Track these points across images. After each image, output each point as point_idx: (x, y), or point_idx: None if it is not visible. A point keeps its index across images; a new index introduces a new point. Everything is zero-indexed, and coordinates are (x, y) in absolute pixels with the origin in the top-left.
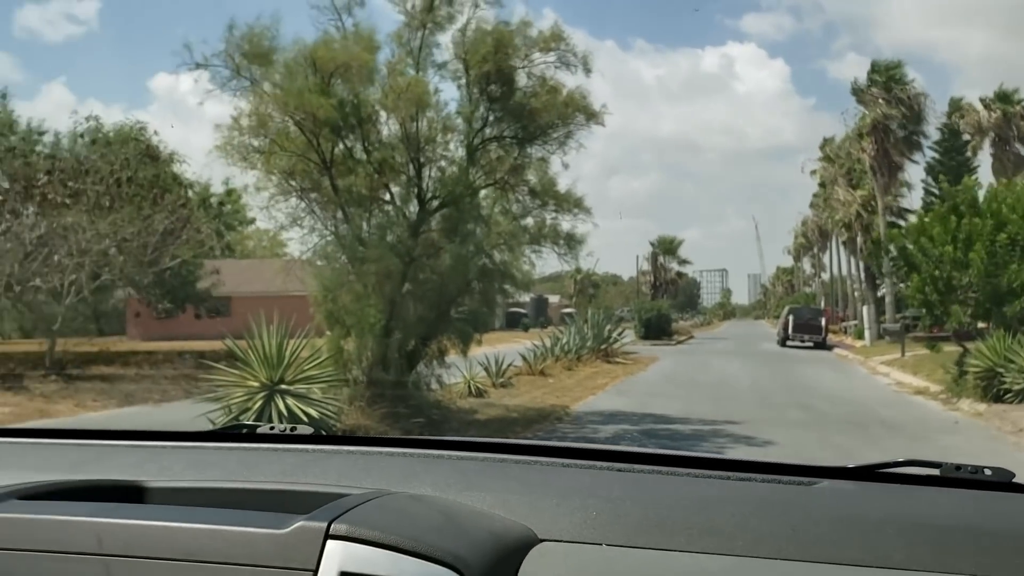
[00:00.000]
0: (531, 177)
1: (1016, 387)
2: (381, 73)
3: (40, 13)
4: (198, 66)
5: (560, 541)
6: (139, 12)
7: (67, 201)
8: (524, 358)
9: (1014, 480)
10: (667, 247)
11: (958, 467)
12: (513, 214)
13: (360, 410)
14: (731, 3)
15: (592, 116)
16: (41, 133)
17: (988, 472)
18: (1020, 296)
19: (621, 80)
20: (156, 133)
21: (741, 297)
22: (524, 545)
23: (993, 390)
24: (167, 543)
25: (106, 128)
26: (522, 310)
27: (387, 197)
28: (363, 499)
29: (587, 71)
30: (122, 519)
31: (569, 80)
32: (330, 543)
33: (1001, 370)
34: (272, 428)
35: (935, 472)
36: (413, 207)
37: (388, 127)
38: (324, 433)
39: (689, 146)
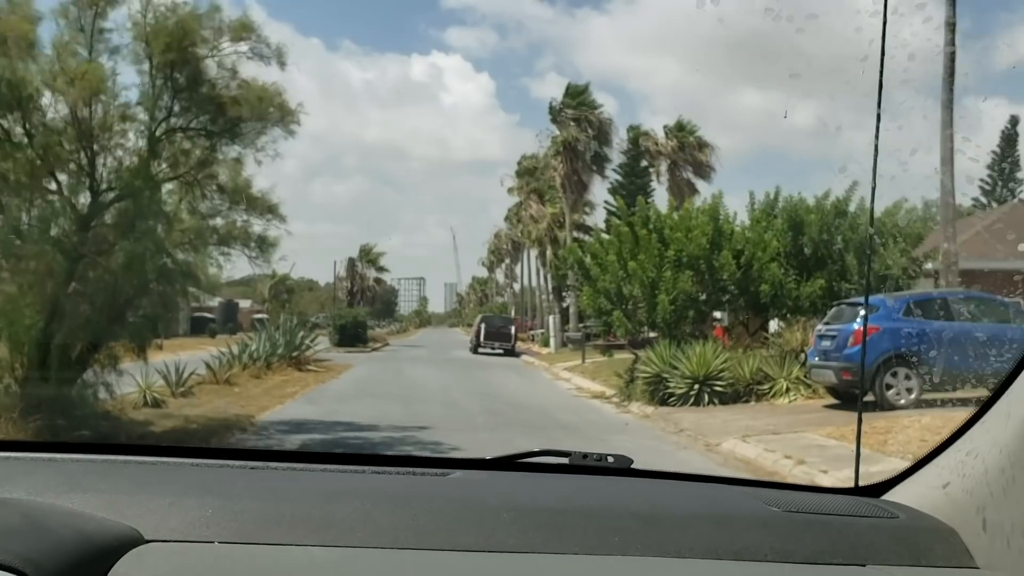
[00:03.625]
0: (222, 175)
1: (678, 391)
2: (46, 51)
3: None
4: None
5: (168, 541)
6: None
7: None
8: (208, 366)
9: (632, 467)
10: (367, 255)
11: (585, 455)
12: (201, 213)
13: (11, 422)
14: (436, 14)
15: (288, 114)
16: None
17: (611, 459)
18: (672, 304)
19: (328, 81)
20: None
21: (438, 305)
22: (122, 545)
23: (659, 394)
24: None
25: None
26: (210, 315)
27: (53, 186)
28: None
29: (281, 65)
30: None
31: (266, 75)
32: None
33: (666, 376)
34: None
35: (565, 461)
36: (84, 199)
37: (55, 110)
38: None
39: (395, 153)
